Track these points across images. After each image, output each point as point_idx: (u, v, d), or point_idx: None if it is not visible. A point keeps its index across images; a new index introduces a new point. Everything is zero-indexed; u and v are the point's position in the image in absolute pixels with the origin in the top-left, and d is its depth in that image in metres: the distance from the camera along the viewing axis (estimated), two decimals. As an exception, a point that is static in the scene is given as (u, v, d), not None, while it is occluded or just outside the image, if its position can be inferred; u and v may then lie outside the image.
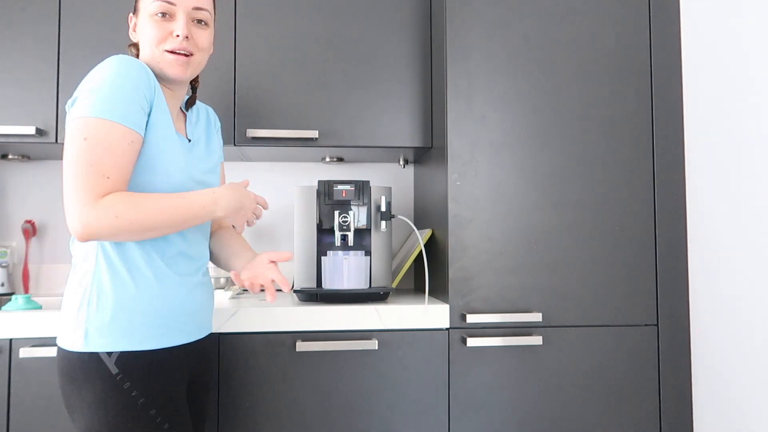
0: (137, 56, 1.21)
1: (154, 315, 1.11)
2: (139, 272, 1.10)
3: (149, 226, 1.04)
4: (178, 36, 1.16)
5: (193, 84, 1.33)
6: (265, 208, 1.26)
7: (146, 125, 1.09)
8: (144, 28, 1.17)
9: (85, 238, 1.01)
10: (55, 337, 1.38)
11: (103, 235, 1.02)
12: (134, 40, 1.22)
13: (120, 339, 1.08)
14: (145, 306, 1.10)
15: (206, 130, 1.32)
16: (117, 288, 1.09)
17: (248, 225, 1.25)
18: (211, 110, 1.37)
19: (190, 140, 1.24)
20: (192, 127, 1.28)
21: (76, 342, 1.07)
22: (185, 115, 1.29)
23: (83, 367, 1.07)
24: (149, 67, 1.17)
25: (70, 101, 1.09)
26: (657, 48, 1.61)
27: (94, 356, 1.07)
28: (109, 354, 1.07)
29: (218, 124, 1.38)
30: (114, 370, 1.07)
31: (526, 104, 1.56)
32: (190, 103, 1.31)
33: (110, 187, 1.02)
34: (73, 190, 1.01)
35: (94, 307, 1.08)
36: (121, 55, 1.09)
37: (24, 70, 1.68)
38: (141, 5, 1.18)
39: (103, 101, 1.03)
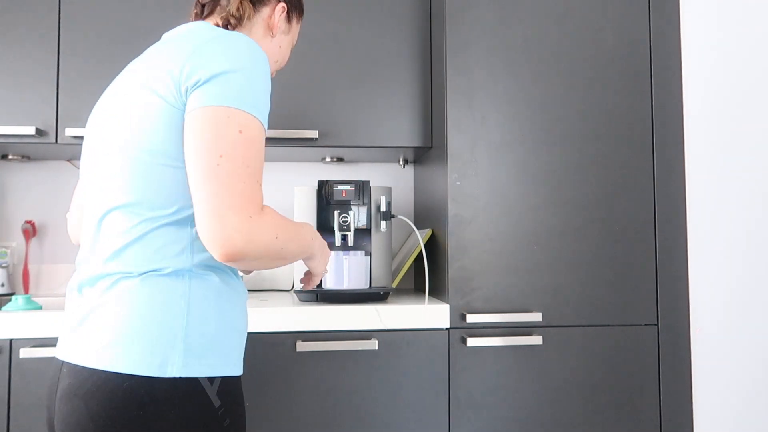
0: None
1: (243, 333, 0.96)
2: (232, 281, 0.95)
3: (288, 255, 0.90)
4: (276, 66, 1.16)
5: None
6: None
7: None
8: (283, 44, 1.13)
9: (234, 257, 0.81)
10: (56, 338, 1.38)
11: (255, 255, 0.83)
12: (254, 30, 1.08)
13: (223, 360, 0.89)
14: (239, 323, 0.94)
15: None
16: (219, 298, 0.91)
17: (323, 276, 1.14)
18: None
19: None
20: None
21: (165, 364, 0.84)
22: None
23: (173, 398, 0.84)
24: None
25: (191, 73, 0.86)
26: (657, 48, 1.61)
27: (193, 383, 0.85)
28: (211, 380, 0.87)
29: None
30: (216, 402, 0.87)
31: (526, 104, 1.56)
32: None
33: (262, 198, 0.86)
34: (231, 194, 0.81)
35: (197, 318, 0.87)
36: (248, 38, 0.92)
37: (24, 70, 1.68)
38: (294, 24, 1.16)
39: (256, 95, 0.87)
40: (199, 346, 0.86)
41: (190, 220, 0.89)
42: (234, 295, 0.94)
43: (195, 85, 0.85)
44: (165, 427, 0.83)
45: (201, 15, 1.09)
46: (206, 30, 0.94)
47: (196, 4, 1.10)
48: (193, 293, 0.88)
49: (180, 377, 0.84)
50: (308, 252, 1.00)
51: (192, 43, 0.89)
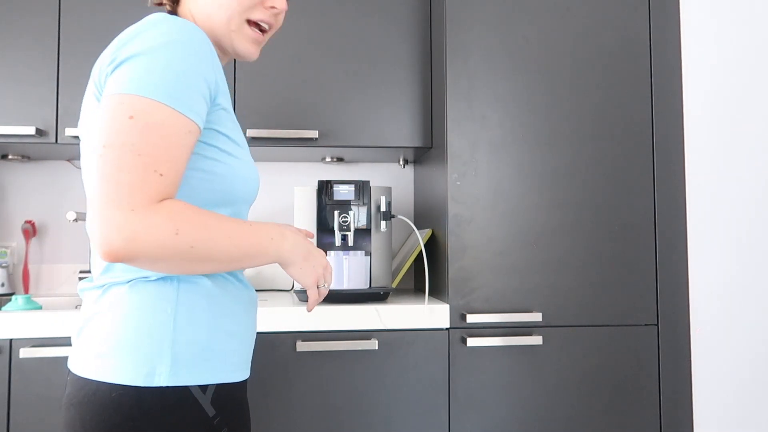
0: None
1: (245, 337, 0.90)
2: (229, 285, 0.90)
3: (210, 255, 0.77)
4: (273, 8, 0.92)
5: None
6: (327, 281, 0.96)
7: (212, 115, 0.85)
8: None
9: (117, 258, 0.71)
10: (56, 338, 1.38)
11: (147, 255, 0.72)
12: None
13: (216, 367, 0.84)
14: (237, 327, 0.89)
15: None
16: (210, 303, 0.86)
17: (319, 295, 0.96)
18: None
19: None
20: None
21: (153, 373, 0.79)
22: None
23: (162, 409, 0.79)
24: (212, 33, 0.92)
25: (107, 65, 0.80)
26: (657, 48, 1.61)
27: (183, 392, 0.80)
28: (203, 389, 0.82)
29: None
30: (210, 411, 0.82)
31: (526, 104, 1.56)
32: None
33: (164, 190, 0.75)
34: (110, 187, 0.72)
35: (185, 325, 0.82)
36: (177, 18, 0.81)
37: (24, 70, 1.68)
38: None
39: (163, 78, 0.76)
40: (187, 353, 0.82)
41: None
42: (230, 300, 0.88)
43: (105, 79, 0.80)
44: None
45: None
46: (142, 21, 0.85)
47: None
48: (181, 299, 0.83)
49: (168, 386, 0.80)
50: (265, 255, 0.84)
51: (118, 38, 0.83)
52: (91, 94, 0.85)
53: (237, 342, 0.88)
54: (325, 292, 0.96)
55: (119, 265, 0.84)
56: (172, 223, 0.73)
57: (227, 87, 0.91)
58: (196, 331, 0.83)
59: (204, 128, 0.84)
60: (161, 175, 0.74)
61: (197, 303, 0.84)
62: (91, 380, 0.81)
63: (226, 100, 0.87)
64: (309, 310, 0.97)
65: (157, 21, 0.80)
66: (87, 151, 0.90)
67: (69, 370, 0.88)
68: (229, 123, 0.88)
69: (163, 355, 0.80)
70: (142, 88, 0.75)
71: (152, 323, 0.81)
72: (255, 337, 0.96)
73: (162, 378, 0.79)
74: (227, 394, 0.86)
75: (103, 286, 0.85)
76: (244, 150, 0.91)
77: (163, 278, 0.84)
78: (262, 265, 0.85)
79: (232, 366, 0.87)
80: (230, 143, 0.87)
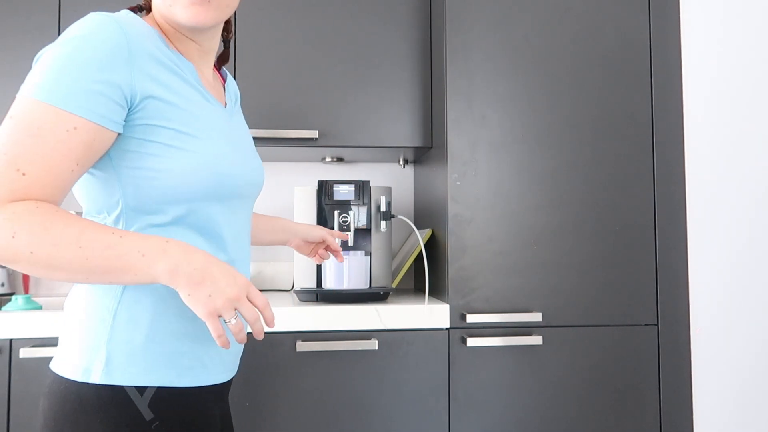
0: (148, 8, 0.93)
1: (198, 340, 0.86)
2: None
3: (54, 264, 0.72)
4: None
5: (225, 37, 1.03)
6: (268, 323, 0.82)
7: (144, 110, 0.81)
8: None
9: None
10: (56, 338, 1.38)
11: None
12: None
13: (157, 369, 0.82)
14: (188, 328, 0.85)
15: (235, 101, 1.03)
16: (156, 302, 0.83)
17: (237, 329, 0.78)
18: (229, 75, 1.07)
19: (226, 105, 0.98)
20: (229, 94, 1.01)
21: (90, 370, 0.80)
22: (222, 78, 1.03)
23: (99, 406, 0.79)
24: (164, 19, 0.88)
25: None
26: (657, 48, 1.61)
27: (119, 392, 0.80)
28: (141, 391, 0.81)
29: (239, 95, 1.08)
30: (147, 414, 0.81)
31: (526, 104, 1.56)
32: (222, 60, 1.03)
33: (23, 190, 0.72)
34: None
35: (123, 323, 0.82)
36: (95, 15, 0.80)
37: (24, 70, 1.68)
38: None
39: (48, 76, 0.75)
40: (123, 353, 0.81)
41: (118, 222, 0.83)
42: (176, 300, 0.85)
43: None
44: None
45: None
46: None
47: None
48: (124, 296, 0.82)
49: (102, 384, 0.79)
50: (132, 272, 0.74)
51: None
52: None
53: (191, 344, 0.85)
54: (239, 329, 0.78)
55: None
56: (10, 225, 0.70)
57: (176, 77, 0.85)
58: (134, 330, 0.82)
59: (137, 125, 0.80)
60: (23, 174, 0.72)
61: (140, 300, 0.82)
62: (52, 372, 0.84)
63: (168, 92, 0.83)
64: (219, 344, 0.79)
65: (79, 21, 0.80)
66: None
67: None
68: (176, 115, 0.83)
69: (99, 352, 0.80)
70: (30, 88, 0.74)
71: (93, 319, 0.82)
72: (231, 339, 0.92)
73: (96, 375, 0.80)
74: (173, 399, 0.83)
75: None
76: (206, 142, 0.85)
77: None
78: (140, 283, 0.76)
79: (179, 369, 0.84)
80: (180, 136, 0.82)
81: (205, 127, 0.86)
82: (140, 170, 0.81)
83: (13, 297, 1.51)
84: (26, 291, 1.95)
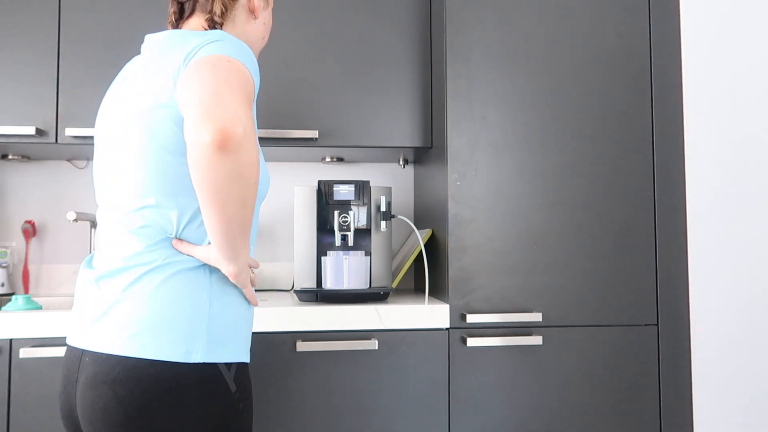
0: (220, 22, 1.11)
1: (251, 323, 1.03)
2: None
3: (246, 204, 0.86)
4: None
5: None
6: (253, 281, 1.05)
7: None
8: (268, 20, 1.14)
9: (227, 142, 0.79)
10: (56, 338, 1.38)
11: (240, 146, 0.80)
12: (237, 21, 1.11)
13: (239, 348, 0.96)
14: (249, 313, 1.01)
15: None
16: (236, 291, 0.98)
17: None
18: None
19: None
20: None
21: (191, 351, 0.90)
22: None
23: (197, 383, 0.89)
24: (249, 42, 1.14)
25: (199, 47, 0.91)
26: (657, 48, 1.61)
27: (213, 369, 0.91)
28: (229, 367, 0.94)
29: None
30: (233, 387, 0.94)
31: (526, 104, 1.56)
32: None
33: None
34: (228, 87, 0.83)
35: (218, 309, 0.94)
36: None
37: (24, 70, 1.68)
38: None
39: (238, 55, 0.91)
40: (220, 334, 0.92)
41: (201, 215, 0.94)
42: (239, 289, 0.99)
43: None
44: (187, 412, 0.88)
45: (180, 15, 1.08)
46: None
47: (173, 2, 1.09)
48: (214, 286, 0.94)
49: (203, 362, 0.89)
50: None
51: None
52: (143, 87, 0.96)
53: (249, 326, 1.01)
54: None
55: (156, 253, 0.92)
56: (254, 138, 0.84)
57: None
58: (227, 314, 0.94)
59: None
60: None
61: (227, 290, 0.96)
62: (127, 357, 0.88)
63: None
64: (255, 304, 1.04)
65: (237, 40, 0.98)
66: (107, 147, 0.98)
67: (85, 351, 0.92)
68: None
69: (200, 335, 0.90)
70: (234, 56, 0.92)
71: (191, 307, 0.91)
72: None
73: (198, 355, 0.89)
74: (243, 373, 0.97)
75: (135, 270, 0.92)
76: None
77: (197, 267, 0.93)
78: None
79: (245, 348, 0.98)
80: None
81: None
82: None
83: (13, 297, 1.51)
84: (26, 291, 1.96)
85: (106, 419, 0.87)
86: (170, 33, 1.01)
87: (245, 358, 0.98)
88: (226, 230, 0.86)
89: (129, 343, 0.89)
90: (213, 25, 1.06)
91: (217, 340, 0.92)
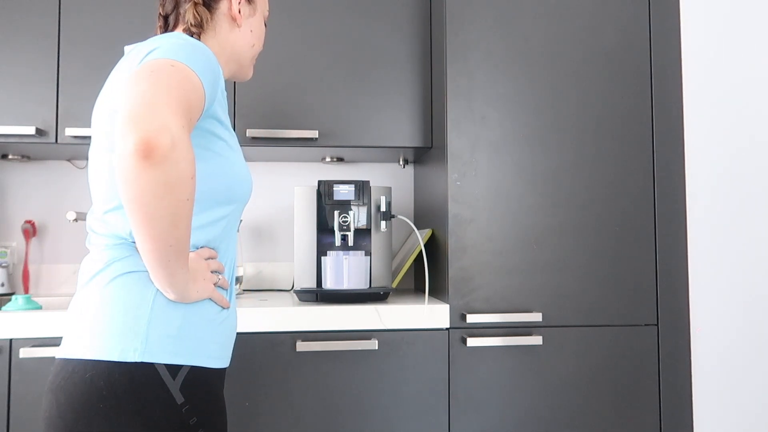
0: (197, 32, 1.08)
1: (225, 326, 0.96)
2: None
3: (177, 223, 0.79)
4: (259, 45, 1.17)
5: None
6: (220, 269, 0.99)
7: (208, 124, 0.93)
8: (256, 27, 1.14)
9: (151, 152, 0.73)
10: (56, 338, 1.38)
11: (165, 158, 0.74)
12: (219, 29, 1.08)
13: (190, 350, 0.88)
14: (216, 315, 0.94)
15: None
16: None
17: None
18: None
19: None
20: None
21: (127, 349, 0.84)
22: None
23: (131, 388, 0.82)
24: (231, 52, 1.11)
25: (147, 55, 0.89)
26: (657, 48, 1.61)
27: (152, 373, 0.84)
28: (173, 373, 0.85)
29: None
30: (179, 398, 0.85)
31: (526, 104, 1.56)
32: None
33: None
34: (163, 94, 0.77)
35: (161, 307, 0.87)
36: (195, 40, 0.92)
37: (24, 70, 1.68)
38: (259, 1, 1.15)
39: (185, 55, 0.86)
40: (161, 333, 0.85)
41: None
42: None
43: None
44: (126, 421, 0.81)
45: (165, 28, 1.11)
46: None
47: (159, 17, 1.11)
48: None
49: (138, 362, 0.83)
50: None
51: None
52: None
53: (220, 330, 0.94)
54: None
55: (107, 256, 0.91)
56: (189, 148, 0.78)
57: (224, 99, 1.00)
58: (172, 313, 0.87)
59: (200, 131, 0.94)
60: (190, 121, 0.84)
61: None
62: (69, 360, 0.85)
63: (223, 113, 0.98)
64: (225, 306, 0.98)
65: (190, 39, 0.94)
66: (91, 151, 0.98)
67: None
68: (227, 134, 0.99)
69: (139, 333, 0.84)
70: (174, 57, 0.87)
71: (132, 304, 0.86)
72: (235, 329, 1.02)
73: (136, 354, 0.83)
74: (201, 383, 0.88)
75: (86, 274, 0.91)
76: (238, 154, 1.01)
77: (146, 269, 0.88)
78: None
79: (209, 352, 0.90)
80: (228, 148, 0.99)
81: (236, 143, 1.02)
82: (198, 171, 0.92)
83: (13, 297, 1.51)
84: (26, 291, 1.96)
85: (50, 429, 0.84)
86: (143, 41, 1.01)
87: (205, 362, 0.89)
88: (156, 249, 0.79)
89: (72, 345, 0.86)
90: (191, 35, 1.04)
91: (157, 338, 0.85)
